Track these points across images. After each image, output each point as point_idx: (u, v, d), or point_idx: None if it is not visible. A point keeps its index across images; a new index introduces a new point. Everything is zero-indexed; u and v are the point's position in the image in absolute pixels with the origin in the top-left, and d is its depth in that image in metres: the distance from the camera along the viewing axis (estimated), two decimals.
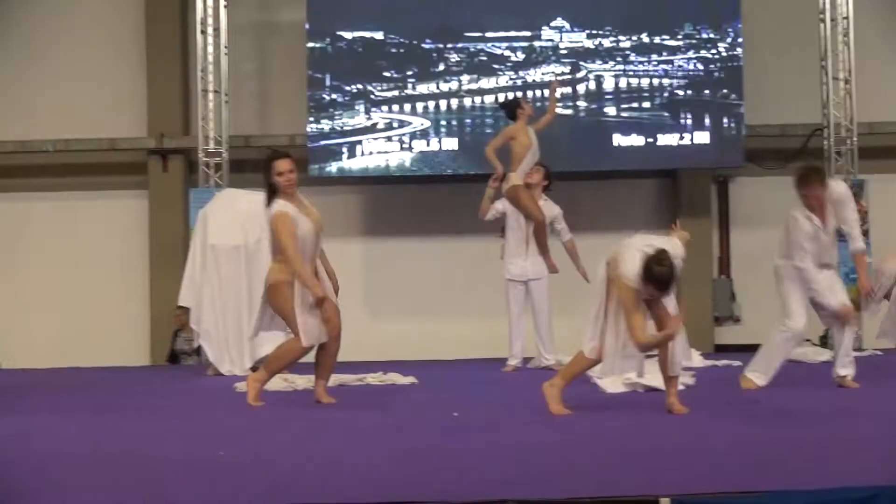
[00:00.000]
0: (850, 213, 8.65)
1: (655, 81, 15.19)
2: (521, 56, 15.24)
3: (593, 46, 15.21)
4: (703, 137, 15.15)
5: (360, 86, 15.14)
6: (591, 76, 15.23)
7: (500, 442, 5.89)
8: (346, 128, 15.11)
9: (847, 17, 15.18)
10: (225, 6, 15.43)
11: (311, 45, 15.15)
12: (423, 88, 15.16)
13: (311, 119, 15.12)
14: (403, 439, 6.07)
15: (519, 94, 14.12)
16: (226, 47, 15.47)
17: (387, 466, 4.95)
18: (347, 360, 13.67)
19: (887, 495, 3.96)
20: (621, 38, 15.21)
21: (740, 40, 15.13)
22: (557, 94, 12.64)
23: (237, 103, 15.89)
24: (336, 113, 15.11)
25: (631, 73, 15.20)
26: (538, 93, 14.90)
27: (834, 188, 8.65)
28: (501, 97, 14.85)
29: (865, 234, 14.53)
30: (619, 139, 15.13)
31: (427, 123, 15.15)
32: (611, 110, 15.18)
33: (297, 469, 4.98)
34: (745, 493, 4.04)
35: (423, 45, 15.21)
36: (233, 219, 12.08)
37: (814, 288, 8.52)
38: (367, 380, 10.22)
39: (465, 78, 15.21)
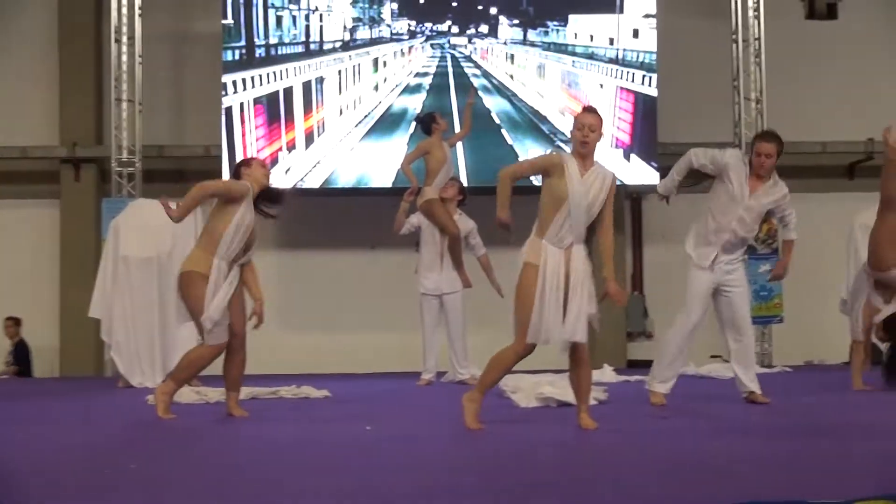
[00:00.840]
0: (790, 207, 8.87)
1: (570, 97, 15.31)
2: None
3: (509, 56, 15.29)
4: (617, 155, 15.25)
5: (277, 96, 15.04)
6: (506, 90, 15.29)
7: (413, 454, 5.86)
8: (261, 140, 14.98)
9: (759, 39, 15.42)
10: (140, 15, 15.25)
11: (226, 54, 15.03)
12: (336, 102, 15.11)
13: (228, 130, 14.97)
14: (315, 453, 6.01)
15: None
16: (140, 56, 15.30)
17: (298, 480, 4.89)
18: (261, 374, 13.61)
19: None
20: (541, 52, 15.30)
21: (656, 60, 15.27)
22: (472, 101, 12.62)
23: (151, 113, 15.70)
24: (252, 123, 14.99)
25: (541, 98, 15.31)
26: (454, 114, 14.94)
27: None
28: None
29: (774, 252, 14.74)
30: (533, 153, 15.19)
31: (342, 136, 15.08)
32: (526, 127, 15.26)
33: (209, 482, 4.90)
34: None
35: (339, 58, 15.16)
36: (145, 230, 11.97)
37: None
38: (281, 393, 10.14)
39: (380, 90, 15.19)
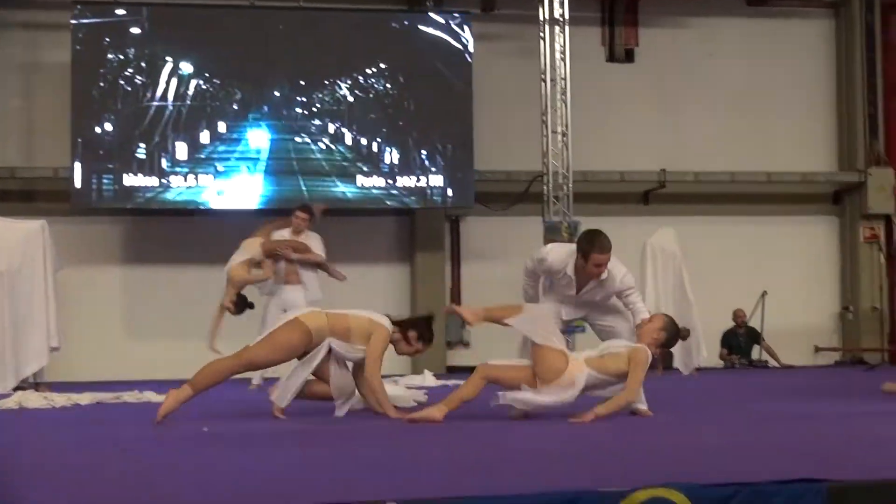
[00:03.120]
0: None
1: (396, 129, 15.38)
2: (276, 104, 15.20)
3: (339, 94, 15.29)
4: (437, 181, 15.39)
5: (122, 124, 14.75)
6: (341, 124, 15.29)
7: (251, 455, 5.84)
8: (109, 164, 14.68)
9: (565, 78, 15.69)
10: None
11: (76, 84, 14.69)
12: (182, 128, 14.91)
13: (75, 154, 14.61)
14: (152, 453, 5.93)
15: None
16: None
17: (136, 478, 4.83)
18: (105, 380, 13.36)
19: (585, 499, 4.07)
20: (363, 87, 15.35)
21: (472, 95, 15.46)
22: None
23: (4, 137, 15.30)
24: (99, 149, 14.68)
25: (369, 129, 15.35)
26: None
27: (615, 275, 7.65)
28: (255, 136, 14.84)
29: None
30: (362, 180, 15.24)
31: (184, 159, 14.87)
32: (353, 154, 15.27)
33: (64, 481, 4.81)
34: (463, 498, 4.08)
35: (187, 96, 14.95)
36: None
37: None
38: (124, 398, 9.96)
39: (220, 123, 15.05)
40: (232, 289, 11.21)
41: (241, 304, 11.25)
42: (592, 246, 7.46)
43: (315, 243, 11.86)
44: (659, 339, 7.39)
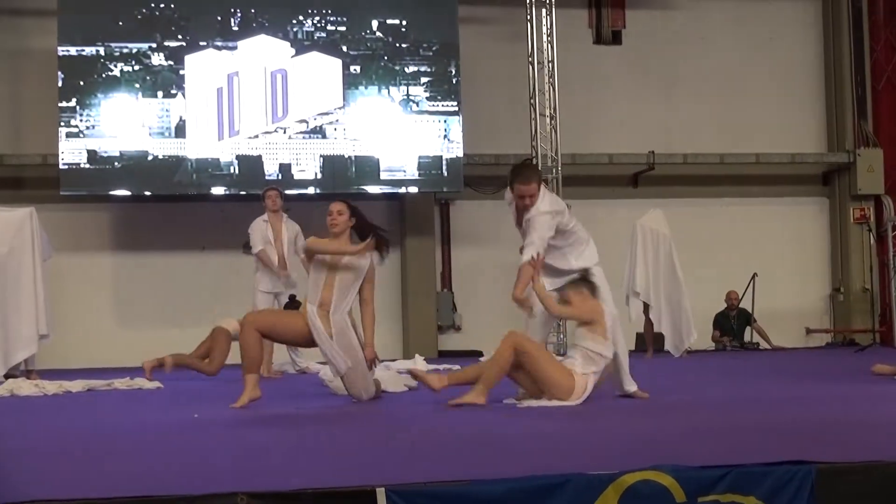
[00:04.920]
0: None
1: (386, 112, 15.36)
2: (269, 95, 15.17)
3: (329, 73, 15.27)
4: (427, 165, 15.37)
5: (109, 109, 14.71)
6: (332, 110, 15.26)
7: (240, 438, 5.87)
8: (98, 151, 14.64)
9: (552, 61, 15.70)
10: None
11: (61, 71, 14.65)
12: (165, 112, 14.87)
13: (63, 141, 14.57)
14: (148, 439, 5.96)
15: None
16: None
17: (131, 463, 4.85)
18: (97, 367, 13.38)
19: (575, 482, 4.10)
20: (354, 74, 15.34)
21: (459, 79, 15.44)
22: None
23: None
24: (87, 135, 14.63)
25: (360, 113, 15.33)
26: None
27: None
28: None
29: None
30: (352, 164, 15.22)
31: (171, 146, 14.84)
32: (351, 141, 15.25)
33: (48, 463, 4.82)
34: (457, 482, 4.11)
35: (165, 72, 14.91)
36: None
37: None
38: (115, 384, 9.98)
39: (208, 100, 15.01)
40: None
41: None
42: (515, 176, 7.66)
43: (295, 231, 11.95)
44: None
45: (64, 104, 14.58)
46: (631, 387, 7.79)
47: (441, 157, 15.40)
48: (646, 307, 14.17)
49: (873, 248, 17.25)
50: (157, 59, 14.83)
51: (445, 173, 15.45)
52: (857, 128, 17.46)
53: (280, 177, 14.79)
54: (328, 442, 5.71)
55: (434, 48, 15.45)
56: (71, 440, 5.96)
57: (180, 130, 14.79)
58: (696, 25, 17.33)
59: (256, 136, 14.95)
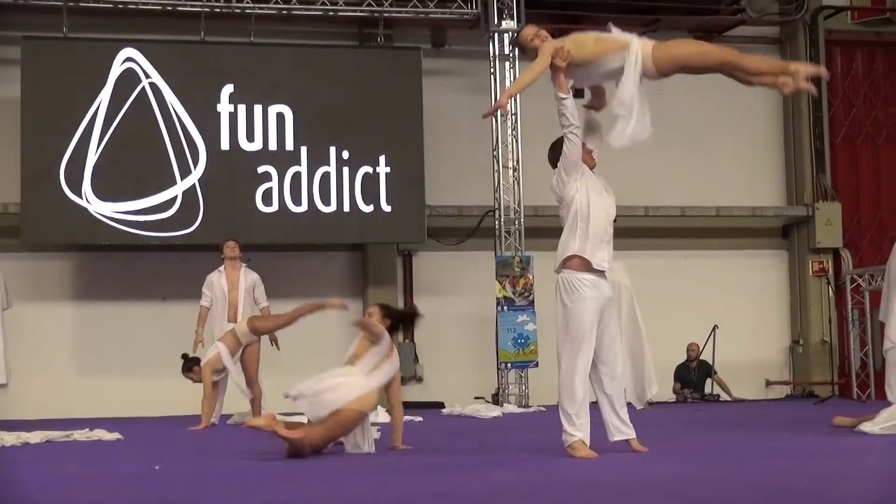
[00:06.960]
0: None
1: (346, 163, 15.40)
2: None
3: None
4: (389, 215, 15.40)
5: (70, 158, 14.66)
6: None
7: (204, 489, 5.84)
8: (58, 198, 14.57)
9: (515, 114, 15.82)
10: None
11: (24, 118, 14.62)
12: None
13: (25, 188, 14.52)
14: (107, 490, 5.91)
15: None
16: None
17: None
18: (56, 417, 13.26)
19: None
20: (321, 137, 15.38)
21: (423, 132, 15.52)
22: None
23: None
24: (49, 184, 14.56)
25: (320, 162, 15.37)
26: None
27: None
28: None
29: (531, 304, 15.10)
30: (313, 215, 15.22)
31: (135, 196, 14.81)
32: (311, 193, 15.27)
33: None
34: None
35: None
36: None
37: None
38: (74, 436, 9.88)
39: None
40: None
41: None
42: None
43: (253, 280, 12.01)
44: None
45: (26, 152, 14.55)
46: (626, 437, 7.50)
47: (404, 207, 15.43)
48: None
49: (832, 300, 17.43)
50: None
51: (408, 224, 15.48)
52: (816, 182, 17.69)
53: (241, 227, 14.76)
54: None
55: (397, 98, 15.53)
56: (32, 492, 5.91)
57: None
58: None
59: None
